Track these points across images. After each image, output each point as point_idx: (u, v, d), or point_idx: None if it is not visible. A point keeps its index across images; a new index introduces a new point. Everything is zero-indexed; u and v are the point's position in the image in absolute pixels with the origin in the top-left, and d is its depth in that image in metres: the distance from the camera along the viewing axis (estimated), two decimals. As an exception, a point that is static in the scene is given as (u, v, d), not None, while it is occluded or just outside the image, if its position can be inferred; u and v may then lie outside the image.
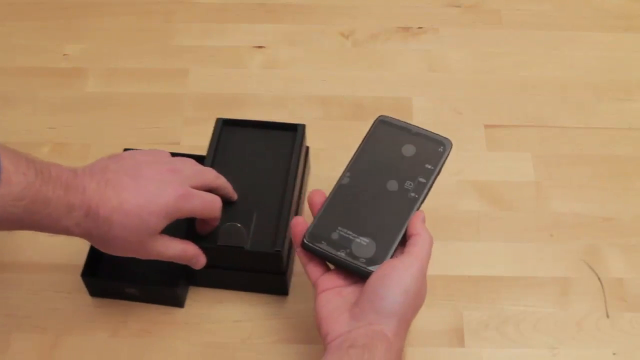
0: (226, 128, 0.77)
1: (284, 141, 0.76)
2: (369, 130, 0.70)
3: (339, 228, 0.65)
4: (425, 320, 0.74)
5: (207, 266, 0.73)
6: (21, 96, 0.91)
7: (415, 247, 0.63)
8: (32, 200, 0.57)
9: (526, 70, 0.94)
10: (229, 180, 0.72)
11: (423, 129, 0.69)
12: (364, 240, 0.64)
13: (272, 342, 0.72)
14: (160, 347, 0.72)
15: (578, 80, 0.93)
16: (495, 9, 1.00)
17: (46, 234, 0.74)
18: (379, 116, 0.70)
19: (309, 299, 0.67)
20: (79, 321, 0.73)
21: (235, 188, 0.73)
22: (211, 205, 0.67)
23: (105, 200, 0.60)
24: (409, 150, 0.68)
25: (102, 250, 0.64)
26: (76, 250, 0.74)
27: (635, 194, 0.83)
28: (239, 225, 0.70)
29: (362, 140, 0.69)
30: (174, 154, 0.81)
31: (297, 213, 0.77)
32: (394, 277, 0.61)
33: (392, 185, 0.66)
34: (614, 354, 0.72)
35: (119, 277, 0.75)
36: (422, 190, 0.66)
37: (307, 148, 0.81)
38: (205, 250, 0.69)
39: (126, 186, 0.62)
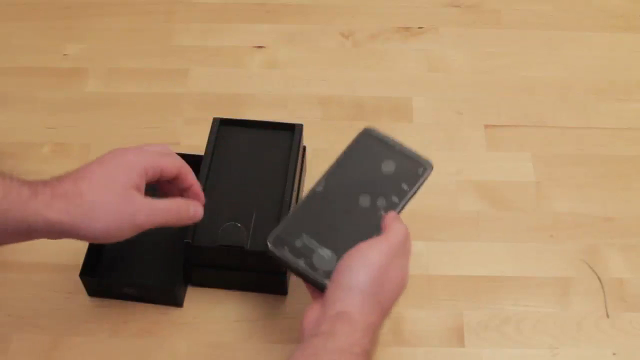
0: (224, 128, 0.77)
1: (282, 141, 0.76)
2: (353, 140, 0.68)
3: (304, 235, 0.63)
4: (425, 320, 0.74)
5: (207, 266, 0.73)
6: (21, 96, 0.91)
7: (385, 232, 0.62)
8: None
9: (526, 70, 0.94)
10: (227, 179, 0.72)
11: (407, 147, 0.67)
12: (326, 253, 0.63)
13: (272, 342, 0.72)
14: (160, 347, 0.72)
15: (578, 80, 0.93)
16: (495, 9, 1.00)
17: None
18: (365, 127, 0.69)
19: (309, 299, 0.67)
20: (78, 321, 0.73)
21: (233, 187, 0.73)
22: (168, 155, 0.66)
23: (64, 178, 0.59)
24: (388, 166, 0.66)
25: (93, 235, 0.59)
26: (76, 250, 0.74)
27: (635, 194, 0.83)
28: (239, 225, 0.69)
29: (344, 150, 0.68)
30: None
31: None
32: (356, 254, 0.60)
33: (365, 200, 0.65)
34: (614, 354, 0.72)
35: (118, 277, 0.75)
36: (394, 209, 0.64)
37: (305, 148, 0.81)
38: (205, 250, 0.69)
39: (80, 167, 0.62)
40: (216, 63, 0.94)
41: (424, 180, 0.66)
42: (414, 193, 0.65)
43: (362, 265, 0.59)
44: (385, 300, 0.60)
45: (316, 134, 0.86)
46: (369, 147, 0.68)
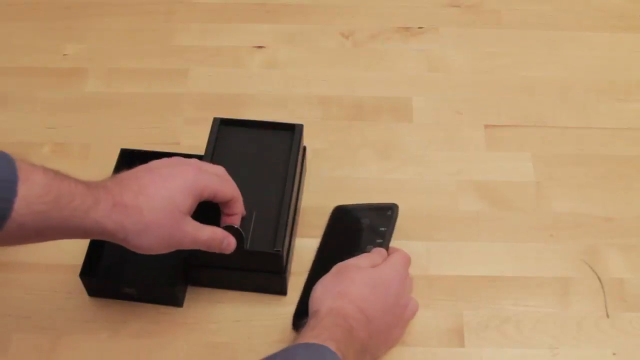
0: (224, 128, 0.77)
1: (282, 141, 0.76)
2: (329, 218, 0.79)
3: None
4: (425, 320, 0.74)
5: (206, 266, 0.73)
6: (21, 96, 0.91)
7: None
8: (56, 195, 0.56)
9: (526, 70, 0.94)
10: None
11: (372, 203, 0.79)
12: None
13: (272, 342, 0.72)
14: (160, 347, 0.72)
15: (578, 81, 0.93)
16: (495, 9, 1.00)
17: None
18: (335, 206, 0.80)
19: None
20: (78, 321, 0.73)
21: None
22: (226, 181, 0.68)
23: (127, 189, 0.61)
24: (365, 222, 0.77)
25: (138, 248, 0.63)
26: (76, 250, 0.74)
27: (635, 194, 0.83)
28: (237, 226, 0.69)
29: (325, 228, 0.79)
30: (174, 154, 0.81)
31: (295, 213, 0.77)
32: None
33: (357, 252, 0.74)
34: (614, 354, 0.72)
35: (117, 277, 0.75)
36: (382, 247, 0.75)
37: (305, 148, 0.81)
38: (204, 250, 0.69)
39: (141, 176, 0.63)
40: (216, 63, 0.94)
41: (395, 219, 0.76)
42: (392, 231, 0.76)
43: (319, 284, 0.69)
44: (350, 292, 0.66)
45: (316, 134, 0.86)
46: (343, 217, 0.79)
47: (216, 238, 0.67)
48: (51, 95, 0.91)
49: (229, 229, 0.69)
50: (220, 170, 0.69)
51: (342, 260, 0.72)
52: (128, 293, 0.73)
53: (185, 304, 0.75)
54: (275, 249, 0.69)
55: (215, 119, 0.77)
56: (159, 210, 0.62)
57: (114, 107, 0.90)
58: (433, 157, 0.86)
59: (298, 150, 0.75)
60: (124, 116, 0.89)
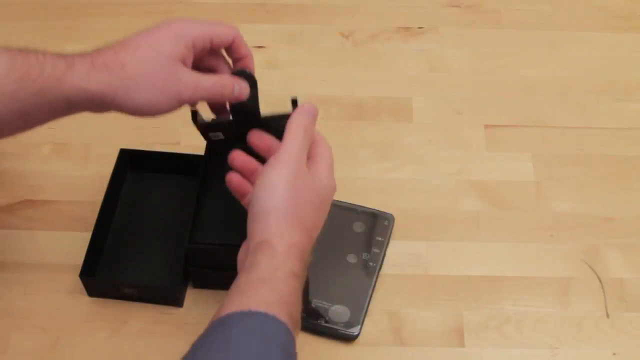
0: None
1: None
2: None
3: (314, 300, 0.73)
4: (425, 320, 0.74)
5: (206, 266, 0.73)
6: (21, 96, 0.91)
7: (284, 144, 0.60)
8: (24, 71, 0.53)
9: (526, 70, 0.94)
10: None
11: (368, 207, 0.79)
12: (339, 308, 0.73)
13: (272, 342, 0.72)
14: (160, 347, 0.72)
15: (578, 80, 0.93)
16: (495, 9, 1.00)
17: (44, 235, 0.74)
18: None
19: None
20: (78, 321, 0.73)
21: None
22: (219, 23, 0.62)
23: (105, 50, 0.57)
24: (359, 227, 0.78)
25: (135, 109, 0.57)
26: (76, 250, 0.74)
27: (635, 194, 0.83)
28: (248, 71, 0.66)
29: None
30: (174, 154, 0.81)
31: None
32: (261, 181, 0.59)
33: (352, 258, 0.76)
34: (614, 354, 0.72)
35: (117, 277, 0.75)
36: (379, 258, 0.76)
37: None
38: (205, 251, 0.69)
39: (122, 39, 0.59)
40: (216, 63, 0.94)
41: (391, 229, 0.78)
42: (388, 242, 0.77)
43: (268, 189, 0.58)
44: (305, 217, 0.58)
45: (316, 134, 0.86)
46: (337, 216, 0.78)
47: (224, 84, 0.61)
48: (51, 95, 0.91)
49: (240, 74, 0.64)
50: (214, 20, 0.63)
51: (331, 260, 0.74)
52: (128, 293, 0.73)
53: (185, 304, 0.75)
54: None
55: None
56: (144, 60, 0.56)
57: (114, 107, 0.90)
58: (433, 157, 0.86)
59: None
60: (124, 116, 0.88)
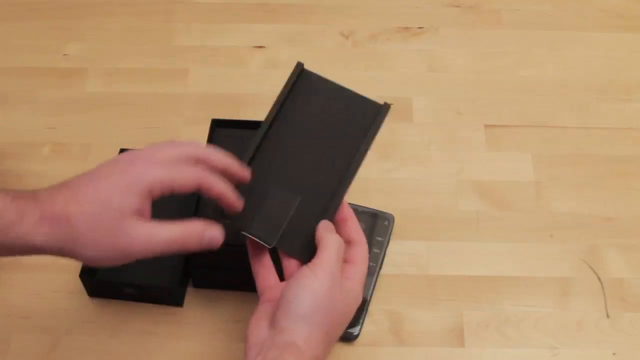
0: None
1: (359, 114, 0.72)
2: None
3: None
4: (425, 320, 0.74)
5: (207, 267, 0.73)
6: (21, 96, 0.91)
7: (323, 252, 0.59)
8: None
9: (526, 70, 0.94)
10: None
11: (367, 207, 0.79)
12: None
13: (272, 342, 0.72)
14: (160, 347, 0.72)
15: (578, 80, 0.93)
16: (495, 9, 1.00)
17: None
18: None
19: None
20: (79, 321, 0.73)
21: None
22: (185, 169, 0.57)
23: (58, 196, 0.54)
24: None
25: (87, 261, 0.55)
26: (76, 250, 0.74)
27: (635, 194, 0.83)
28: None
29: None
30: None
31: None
32: (301, 281, 0.57)
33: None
34: (614, 354, 0.72)
35: (117, 277, 0.75)
36: (378, 258, 0.76)
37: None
38: (205, 250, 0.69)
39: (80, 179, 0.56)
40: (216, 63, 0.94)
41: (391, 229, 0.78)
42: (388, 242, 0.77)
43: (306, 295, 0.57)
44: (332, 332, 0.58)
45: (316, 134, 0.86)
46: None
47: (186, 235, 0.57)
48: (51, 95, 0.91)
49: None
50: (182, 149, 0.58)
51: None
52: (128, 293, 0.73)
53: (185, 304, 0.75)
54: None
55: (213, 120, 0.77)
56: (91, 215, 0.53)
57: (114, 107, 0.90)
58: (433, 157, 0.86)
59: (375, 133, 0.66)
60: (124, 116, 0.89)
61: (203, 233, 0.58)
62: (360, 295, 0.60)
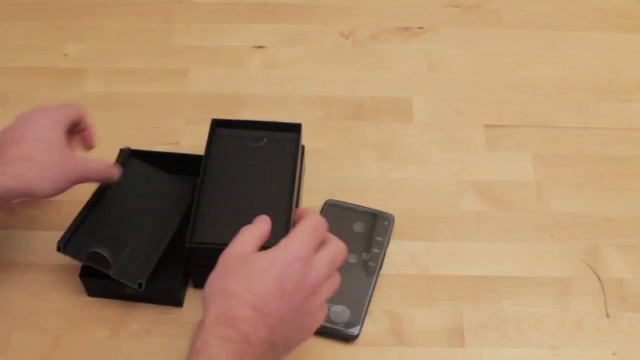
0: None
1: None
2: (320, 213, 0.79)
3: None
4: (425, 320, 0.74)
5: (206, 266, 0.73)
6: (21, 96, 0.91)
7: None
8: None
9: (526, 70, 0.94)
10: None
11: (368, 207, 0.80)
12: (339, 308, 0.73)
13: (272, 342, 0.72)
14: (160, 347, 0.72)
15: (578, 81, 0.93)
16: (495, 9, 1.00)
17: (44, 235, 0.74)
18: (327, 200, 0.80)
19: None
20: (78, 321, 0.73)
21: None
22: (71, 105, 0.71)
23: (8, 145, 0.64)
24: (359, 227, 0.78)
25: (42, 193, 0.64)
26: (76, 250, 0.74)
27: (635, 194, 0.83)
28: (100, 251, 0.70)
29: None
30: (174, 154, 0.81)
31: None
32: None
33: (352, 258, 0.76)
34: (614, 354, 0.72)
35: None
36: (378, 258, 0.76)
37: (303, 147, 0.81)
38: (205, 250, 0.70)
39: (12, 130, 0.67)
40: (216, 63, 0.94)
41: (391, 229, 0.78)
42: (388, 242, 0.78)
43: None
44: (228, 283, 0.58)
45: (316, 134, 0.86)
46: (336, 215, 0.79)
47: (106, 168, 0.71)
48: (51, 95, 0.91)
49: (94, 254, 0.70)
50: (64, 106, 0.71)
51: None
52: (128, 293, 0.73)
53: (185, 304, 0.75)
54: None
55: (212, 120, 0.77)
56: (45, 149, 0.65)
57: (114, 107, 0.90)
58: (433, 157, 0.86)
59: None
60: (124, 116, 0.89)
61: (113, 169, 0.72)
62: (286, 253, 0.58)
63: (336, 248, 0.60)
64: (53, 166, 0.65)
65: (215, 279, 0.58)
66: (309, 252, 0.58)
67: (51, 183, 0.64)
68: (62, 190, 0.66)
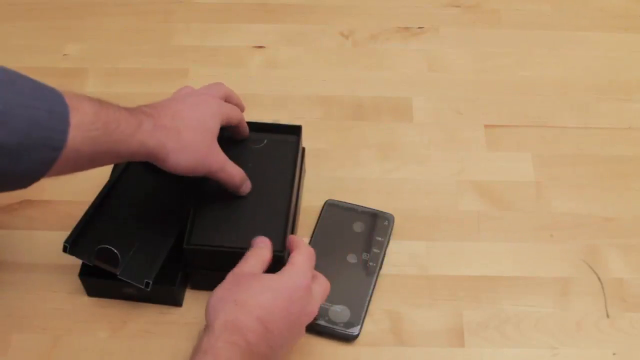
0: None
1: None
2: (320, 213, 0.80)
3: None
4: (425, 320, 0.74)
5: (204, 268, 0.73)
6: (21, 96, 0.91)
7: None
8: (105, 122, 0.59)
9: (526, 70, 0.94)
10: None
11: (367, 207, 0.80)
12: (339, 308, 0.73)
13: (272, 342, 0.72)
14: (160, 347, 0.72)
15: (578, 80, 0.93)
16: (495, 9, 1.00)
17: (44, 235, 0.74)
18: (327, 200, 0.81)
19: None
20: (78, 321, 0.73)
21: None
22: (235, 107, 0.73)
23: (163, 113, 0.65)
24: (358, 227, 0.78)
25: (174, 167, 0.65)
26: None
27: (635, 194, 0.83)
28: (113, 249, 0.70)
29: (317, 223, 0.79)
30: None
31: (295, 214, 0.76)
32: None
33: (352, 257, 0.76)
34: (614, 354, 0.72)
35: (117, 277, 0.74)
36: (378, 258, 0.76)
37: (304, 149, 0.81)
38: (202, 252, 0.70)
39: (173, 104, 0.68)
40: (216, 63, 0.94)
41: (391, 229, 0.78)
42: (388, 242, 0.78)
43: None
44: (238, 293, 0.61)
45: (316, 134, 0.86)
46: (336, 215, 0.79)
47: (240, 177, 0.71)
48: (51, 95, 0.91)
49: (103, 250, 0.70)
50: (224, 91, 0.73)
51: (331, 260, 0.74)
52: (128, 293, 0.73)
53: (185, 304, 0.75)
54: (276, 251, 0.68)
55: None
56: (195, 130, 0.66)
57: (114, 107, 0.90)
58: (433, 157, 0.86)
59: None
60: (124, 116, 0.89)
61: (245, 181, 0.72)
62: (301, 277, 0.63)
63: (326, 283, 0.66)
64: (196, 150, 0.66)
65: (224, 289, 0.62)
66: (310, 281, 0.64)
67: (186, 163, 0.65)
68: (190, 174, 0.67)
